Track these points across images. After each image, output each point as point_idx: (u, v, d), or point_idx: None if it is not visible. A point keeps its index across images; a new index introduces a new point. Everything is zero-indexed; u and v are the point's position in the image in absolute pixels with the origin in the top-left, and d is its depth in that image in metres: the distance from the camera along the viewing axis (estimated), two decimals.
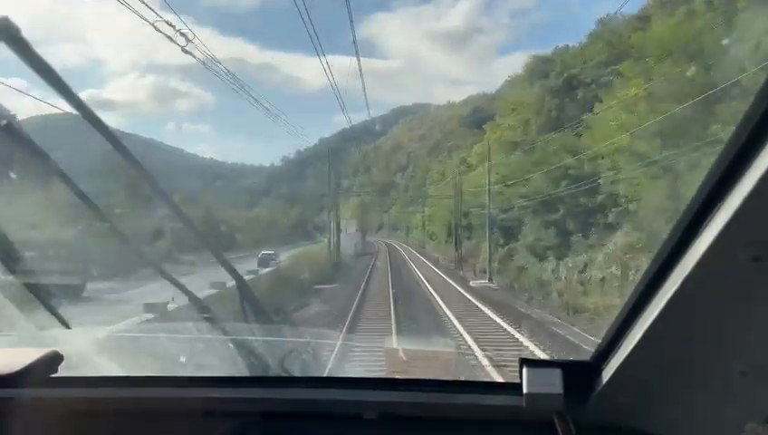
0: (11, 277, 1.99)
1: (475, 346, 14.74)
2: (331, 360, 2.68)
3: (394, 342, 2.25)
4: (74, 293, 15.79)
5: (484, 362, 12.40)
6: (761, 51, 16.69)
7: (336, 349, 2.86)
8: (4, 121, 1.82)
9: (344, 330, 16.51)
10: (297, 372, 2.21)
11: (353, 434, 1.66)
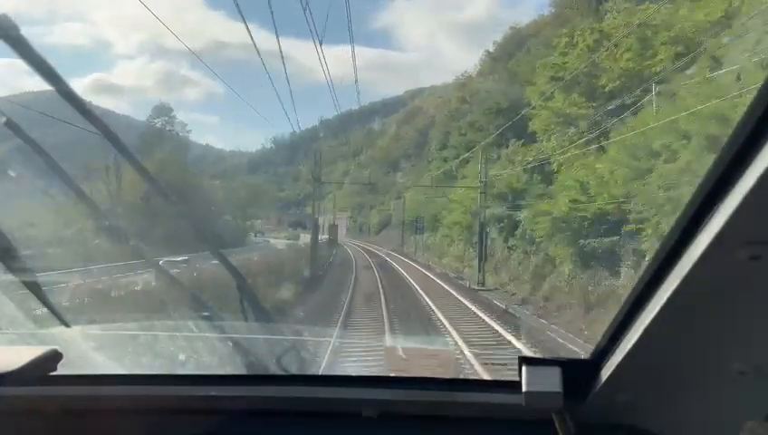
0: (10, 275, 1.99)
1: None
2: (325, 357, 2.67)
3: (392, 340, 2.25)
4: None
5: None
6: None
7: (331, 346, 2.81)
8: (4, 119, 1.83)
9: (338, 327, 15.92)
10: (295, 370, 2.21)
11: (352, 432, 1.67)
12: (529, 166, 31.76)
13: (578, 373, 1.39)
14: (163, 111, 69.19)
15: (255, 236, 66.44)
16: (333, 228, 50.43)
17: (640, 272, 1.14)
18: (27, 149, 1.87)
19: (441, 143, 64.35)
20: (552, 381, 1.38)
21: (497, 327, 17.53)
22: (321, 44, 20.40)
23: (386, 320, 18.53)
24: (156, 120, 67.25)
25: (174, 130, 67.83)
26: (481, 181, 32.51)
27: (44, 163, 1.95)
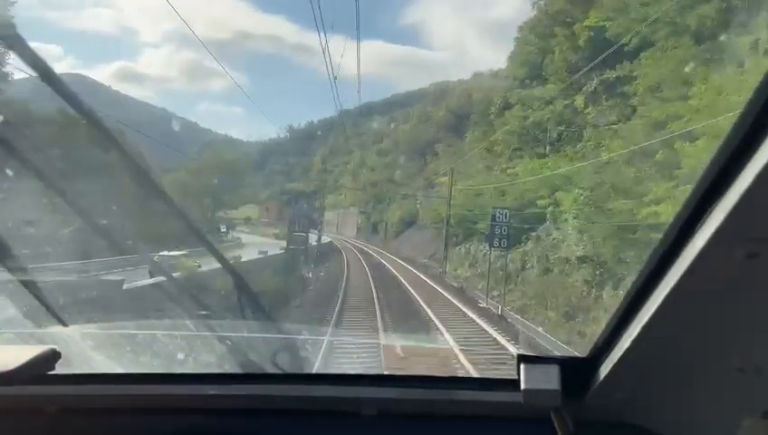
0: (8, 275, 1.99)
1: None
2: (319, 356, 2.67)
3: (387, 338, 2.25)
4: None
5: None
6: None
7: (324, 344, 2.81)
8: (1, 118, 1.83)
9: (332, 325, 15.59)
10: (289, 369, 2.21)
11: (352, 431, 1.67)
12: None
13: (576, 371, 1.39)
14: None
15: (227, 232, 48.29)
16: (300, 226, 27.27)
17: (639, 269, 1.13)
18: (26, 148, 1.87)
19: (521, 81, 38.00)
20: (550, 379, 1.38)
21: None
22: (325, 35, 20.68)
23: None
24: None
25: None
26: None
27: (44, 162, 1.95)
